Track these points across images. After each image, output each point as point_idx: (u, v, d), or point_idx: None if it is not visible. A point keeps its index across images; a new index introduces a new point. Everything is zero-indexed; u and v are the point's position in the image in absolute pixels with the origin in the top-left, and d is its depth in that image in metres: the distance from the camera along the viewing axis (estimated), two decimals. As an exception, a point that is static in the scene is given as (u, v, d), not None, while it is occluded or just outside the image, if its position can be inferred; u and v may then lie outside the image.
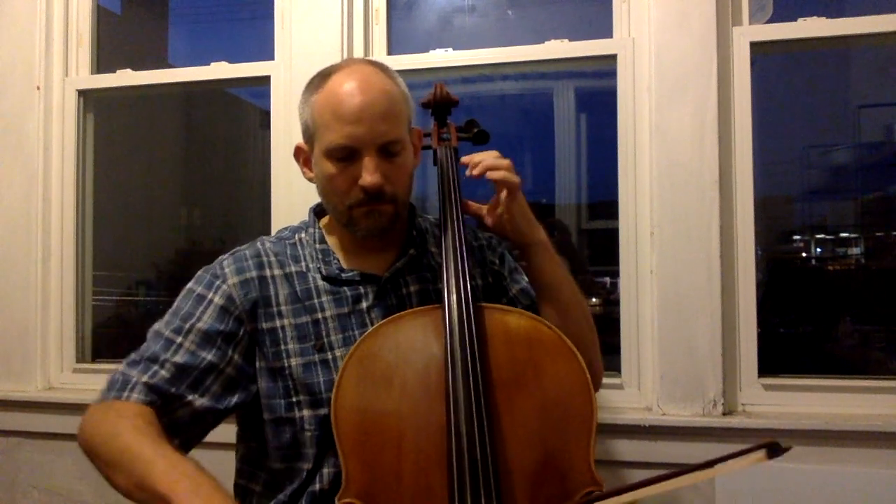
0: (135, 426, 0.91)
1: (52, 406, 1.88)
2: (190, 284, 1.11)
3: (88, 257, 2.03)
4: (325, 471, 1.03)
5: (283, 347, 1.06)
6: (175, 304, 1.09)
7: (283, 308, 1.09)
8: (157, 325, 1.07)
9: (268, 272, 1.11)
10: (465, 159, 1.16)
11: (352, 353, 0.98)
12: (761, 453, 0.69)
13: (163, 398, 0.99)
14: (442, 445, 0.90)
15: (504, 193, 1.11)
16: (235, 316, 1.06)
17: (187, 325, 1.04)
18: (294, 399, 1.06)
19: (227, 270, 1.10)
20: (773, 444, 0.70)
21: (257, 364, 1.07)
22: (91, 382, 1.93)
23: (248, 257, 1.12)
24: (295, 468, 1.06)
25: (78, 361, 1.97)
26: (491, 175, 1.10)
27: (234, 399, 1.05)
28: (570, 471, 0.93)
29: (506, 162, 1.12)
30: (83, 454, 0.96)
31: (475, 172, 1.11)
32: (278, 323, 1.08)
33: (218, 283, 1.09)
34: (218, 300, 1.07)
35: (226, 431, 1.13)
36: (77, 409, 1.84)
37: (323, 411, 1.03)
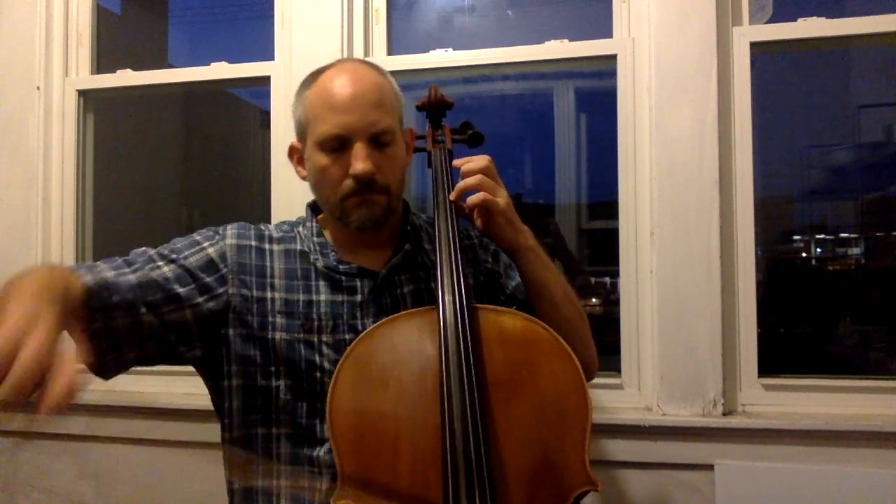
0: (50, 281, 0.85)
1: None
2: (193, 233, 1.13)
3: (88, 257, 2.03)
4: (322, 471, 1.04)
5: (269, 319, 1.08)
6: (171, 241, 1.11)
7: (275, 281, 1.10)
8: (146, 248, 1.08)
9: (266, 245, 1.13)
10: (458, 162, 1.14)
11: (347, 354, 0.98)
12: None
13: (115, 296, 0.96)
14: (437, 446, 0.90)
15: (478, 217, 1.09)
16: (221, 274, 1.07)
17: (173, 256, 1.06)
18: (273, 368, 1.07)
19: (228, 232, 1.13)
20: None
21: (230, 330, 1.07)
22: (91, 382, 1.93)
23: (251, 228, 1.15)
24: (254, 436, 1.07)
25: (78, 361, 1.96)
26: (471, 201, 1.08)
27: (178, 343, 1.04)
28: (566, 471, 0.93)
29: (488, 184, 1.08)
30: None
31: (451, 198, 1.11)
32: (268, 294, 1.09)
33: (217, 238, 1.11)
34: (211, 252, 1.09)
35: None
36: (77, 408, 1.85)
37: (298, 384, 1.06)
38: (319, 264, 1.12)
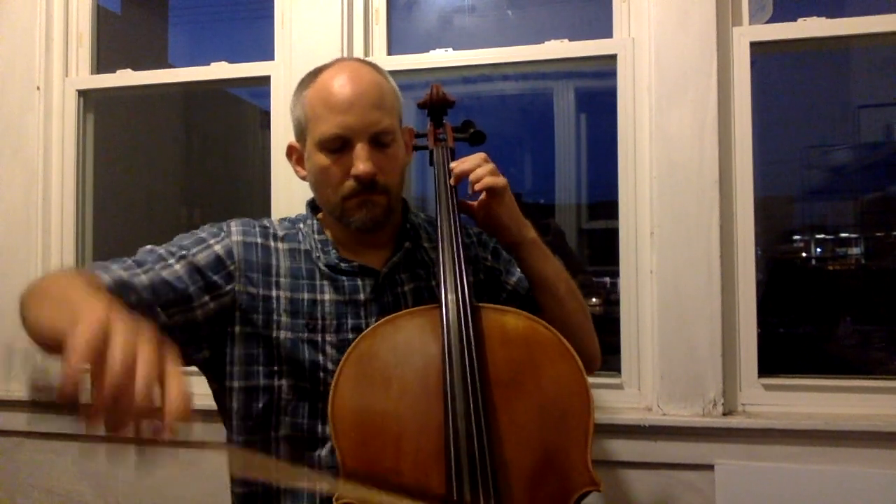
0: (88, 281, 0.85)
1: (52, 406, 1.88)
2: (196, 230, 1.11)
3: (88, 257, 2.03)
4: (325, 471, 1.04)
5: (274, 317, 1.06)
6: (175, 238, 1.09)
7: (281, 279, 1.09)
8: (153, 245, 1.06)
9: (272, 243, 1.12)
10: (452, 165, 1.16)
11: (349, 352, 0.98)
12: None
13: (133, 296, 0.95)
14: (440, 445, 0.90)
15: (483, 196, 1.11)
16: (228, 271, 1.06)
17: (182, 253, 1.04)
18: (276, 368, 1.06)
19: (233, 229, 1.11)
20: None
21: (236, 328, 1.06)
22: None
23: (255, 225, 1.14)
24: (256, 440, 1.06)
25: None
26: (476, 186, 1.10)
27: (186, 337, 1.03)
28: (568, 470, 0.93)
29: (488, 167, 1.12)
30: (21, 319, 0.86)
31: (452, 183, 1.13)
32: (274, 293, 1.08)
33: (222, 234, 1.09)
34: (218, 249, 1.07)
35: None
36: (77, 409, 1.85)
37: (301, 384, 1.05)
38: (322, 263, 1.11)
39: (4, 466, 1.93)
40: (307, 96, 1.09)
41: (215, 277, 1.04)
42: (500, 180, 1.10)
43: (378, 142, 1.06)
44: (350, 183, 1.06)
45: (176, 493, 1.80)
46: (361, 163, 1.04)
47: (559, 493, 0.92)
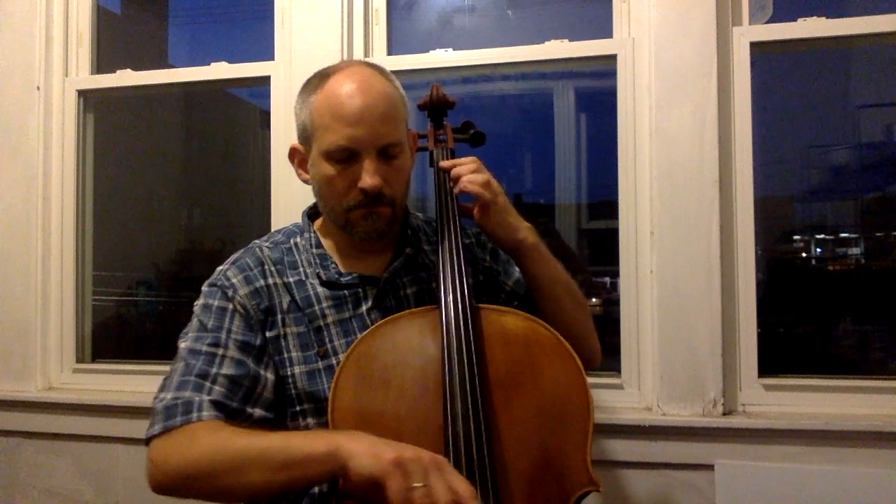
0: (234, 432, 0.91)
1: (52, 406, 1.88)
2: (203, 300, 1.08)
3: (88, 257, 2.03)
4: None
5: (286, 356, 1.06)
6: (195, 321, 1.06)
7: (285, 317, 1.08)
8: (187, 344, 1.04)
9: (271, 280, 1.10)
10: (443, 164, 1.17)
11: (349, 354, 0.98)
12: None
13: (226, 413, 0.97)
14: (440, 445, 0.90)
15: (479, 210, 1.11)
16: (256, 327, 1.06)
17: (223, 336, 1.03)
18: (299, 408, 1.06)
19: (235, 281, 1.08)
20: None
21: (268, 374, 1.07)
22: (91, 382, 1.93)
23: (252, 266, 1.11)
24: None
25: (78, 361, 1.97)
26: (455, 188, 1.12)
27: (280, 395, 1.04)
28: (567, 471, 0.93)
29: (470, 168, 1.12)
30: (172, 493, 0.93)
31: (455, 192, 1.13)
32: (281, 331, 1.07)
33: (231, 293, 1.07)
34: (240, 310, 1.06)
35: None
36: (77, 409, 1.85)
37: (325, 420, 1.02)
38: (318, 284, 1.10)
39: (4, 466, 1.93)
40: (315, 102, 1.07)
41: (255, 340, 1.05)
42: (481, 189, 1.09)
43: (386, 154, 1.06)
44: (356, 194, 1.06)
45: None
46: (369, 177, 1.03)
47: (558, 493, 0.92)
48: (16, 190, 1.94)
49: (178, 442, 0.93)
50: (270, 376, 1.04)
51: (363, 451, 0.80)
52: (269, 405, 1.03)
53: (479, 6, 2.09)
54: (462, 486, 0.78)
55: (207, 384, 0.98)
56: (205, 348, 1.02)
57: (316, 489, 1.03)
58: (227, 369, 1.00)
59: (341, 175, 1.05)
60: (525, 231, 1.13)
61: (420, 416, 0.93)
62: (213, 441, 0.91)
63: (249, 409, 1.00)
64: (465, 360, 0.94)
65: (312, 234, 1.16)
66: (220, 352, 1.01)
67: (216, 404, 0.97)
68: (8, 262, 1.94)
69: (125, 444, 1.83)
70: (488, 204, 1.09)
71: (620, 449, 1.58)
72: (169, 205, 2.83)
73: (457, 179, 1.11)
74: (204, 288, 1.10)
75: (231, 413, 0.98)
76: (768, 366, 1.61)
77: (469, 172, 1.11)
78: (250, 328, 1.05)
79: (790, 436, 1.51)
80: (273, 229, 1.62)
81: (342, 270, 1.12)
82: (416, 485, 0.76)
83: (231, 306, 1.06)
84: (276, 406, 1.05)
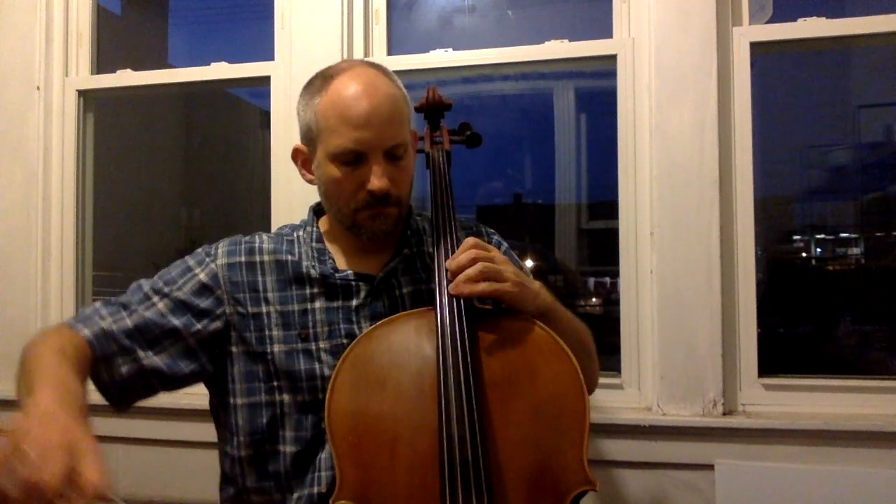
0: (62, 347, 0.96)
1: None
2: (187, 256, 1.14)
3: (88, 257, 2.03)
4: (323, 473, 1.04)
5: (266, 333, 1.07)
6: (164, 270, 1.13)
7: (269, 294, 1.09)
8: (142, 280, 1.11)
9: (257, 258, 1.12)
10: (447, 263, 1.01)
11: (345, 356, 0.98)
12: None
13: (117, 346, 1.02)
14: (435, 447, 0.90)
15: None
16: (216, 295, 1.08)
17: (166, 290, 1.07)
18: (275, 383, 1.07)
19: (219, 251, 1.13)
20: None
21: (233, 348, 1.08)
22: (90, 383, 1.93)
23: (242, 243, 1.15)
24: (263, 453, 1.06)
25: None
26: (452, 290, 0.98)
27: (189, 368, 1.06)
28: (564, 471, 0.93)
29: (476, 269, 0.97)
30: None
31: (452, 291, 0.98)
32: (264, 309, 1.08)
33: (208, 260, 1.11)
34: (202, 276, 1.09)
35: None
36: (77, 409, 1.85)
37: (300, 398, 1.05)
38: (314, 273, 1.11)
39: (4, 466, 1.92)
40: (319, 104, 1.07)
41: (203, 305, 1.07)
42: (506, 285, 0.98)
43: (392, 155, 1.06)
44: (363, 196, 1.06)
45: (176, 492, 1.80)
46: (377, 179, 1.03)
47: (554, 493, 0.92)
48: (16, 190, 1.94)
49: (49, 332, 1.02)
50: (201, 335, 1.06)
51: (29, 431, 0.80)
52: (171, 359, 1.05)
53: (479, 6, 2.10)
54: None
55: (122, 314, 1.04)
56: (147, 290, 1.08)
57: (315, 489, 1.03)
58: (148, 313, 1.05)
59: (348, 177, 1.06)
60: (539, 296, 1.05)
61: (416, 418, 0.93)
62: (41, 347, 0.96)
63: (141, 353, 1.03)
64: (460, 362, 0.94)
65: (315, 229, 1.17)
66: (154, 299, 1.07)
67: (108, 334, 1.02)
68: (8, 262, 1.94)
69: (125, 444, 1.83)
70: (503, 296, 1.01)
71: (620, 449, 1.58)
72: (169, 205, 2.84)
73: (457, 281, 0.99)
74: (199, 248, 1.16)
75: (119, 349, 1.02)
76: (768, 366, 1.61)
77: (468, 280, 0.97)
78: (203, 293, 1.08)
79: (790, 436, 1.51)
80: (273, 229, 1.62)
81: (339, 267, 1.13)
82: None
83: (197, 270, 1.10)
84: (192, 364, 1.07)
